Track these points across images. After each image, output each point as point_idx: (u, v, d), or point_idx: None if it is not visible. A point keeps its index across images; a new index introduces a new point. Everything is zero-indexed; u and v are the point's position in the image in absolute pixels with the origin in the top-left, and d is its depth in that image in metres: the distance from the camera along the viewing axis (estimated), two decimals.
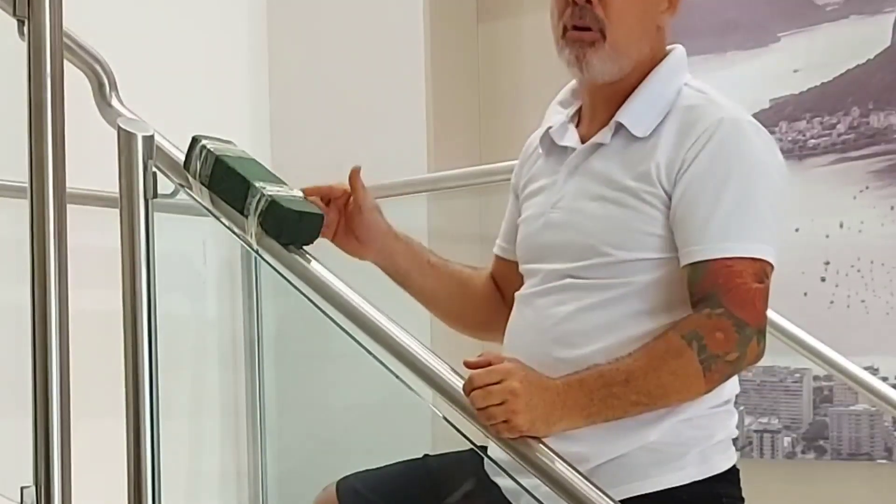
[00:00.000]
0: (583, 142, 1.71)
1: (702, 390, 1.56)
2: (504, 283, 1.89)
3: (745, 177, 1.59)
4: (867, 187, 2.93)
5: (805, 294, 2.95)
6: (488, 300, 1.91)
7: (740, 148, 1.60)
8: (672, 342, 1.53)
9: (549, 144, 1.76)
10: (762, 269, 1.57)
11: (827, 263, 2.96)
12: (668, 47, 1.74)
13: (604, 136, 1.67)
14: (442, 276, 1.88)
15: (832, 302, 2.95)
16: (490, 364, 1.49)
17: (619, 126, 1.65)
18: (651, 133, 1.63)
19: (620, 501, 1.47)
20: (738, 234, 1.57)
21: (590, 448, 1.58)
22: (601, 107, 1.70)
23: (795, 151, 3.00)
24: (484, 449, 1.66)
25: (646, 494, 1.61)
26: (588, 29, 1.66)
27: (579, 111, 1.77)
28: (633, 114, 1.65)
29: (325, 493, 1.87)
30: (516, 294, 1.77)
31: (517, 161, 1.90)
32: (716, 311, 1.53)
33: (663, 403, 1.57)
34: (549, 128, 1.76)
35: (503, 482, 1.68)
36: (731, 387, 1.68)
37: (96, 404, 1.82)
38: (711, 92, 1.68)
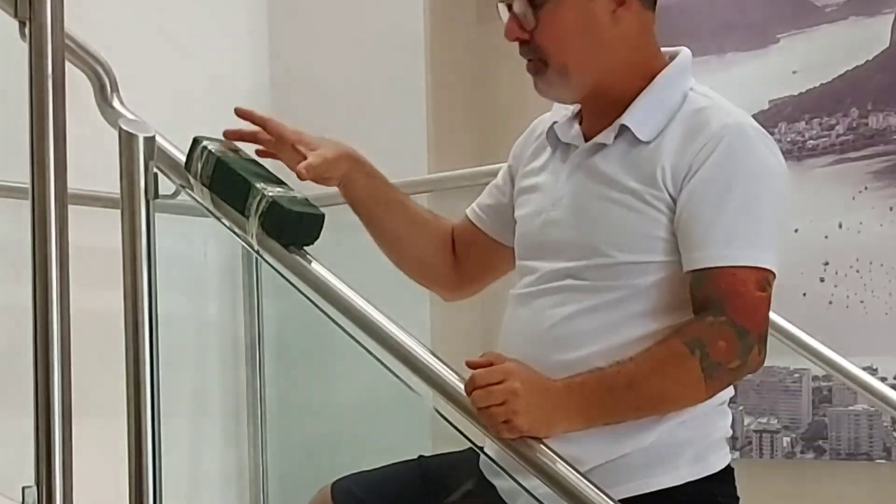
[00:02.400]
0: (585, 140, 1.71)
1: (702, 397, 1.57)
2: (462, 244, 1.91)
3: (750, 185, 1.59)
4: (866, 188, 2.93)
5: (804, 294, 2.96)
6: (437, 246, 1.91)
7: (746, 155, 1.60)
8: (675, 349, 1.53)
9: (554, 139, 1.76)
10: (765, 278, 1.57)
11: (826, 264, 2.96)
12: (674, 49, 1.73)
13: (606, 136, 1.67)
14: (395, 206, 1.88)
15: (831, 302, 2.95)
16: (492, 364, 1.50)
17: (624, 128, 1.65)
18: (656, 137, 1.63)
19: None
20: (742, 242, 1.57)
21: (585, 450, 1.58)
22: (603, 108, 1.69)
23: (794, 152, 3.01)
24: (483, 449, 1.66)
25: (641, 495, 1.61)
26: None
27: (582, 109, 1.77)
28: (639, 117, 1.65)
29: (320, 495, 1.87)
30: (511, 292, 1.76)
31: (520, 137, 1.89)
32: (718, 318, 1.53)
33: (663, 409, 1.57)
34: (555, 122, 1.76)
35: (500, 482, 1.69)
36: (727, 390, 1.68)
37: (97, 404, 1.82)
38: (717, 97, 1.68)
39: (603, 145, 1.67)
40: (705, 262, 1.57)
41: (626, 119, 1.65)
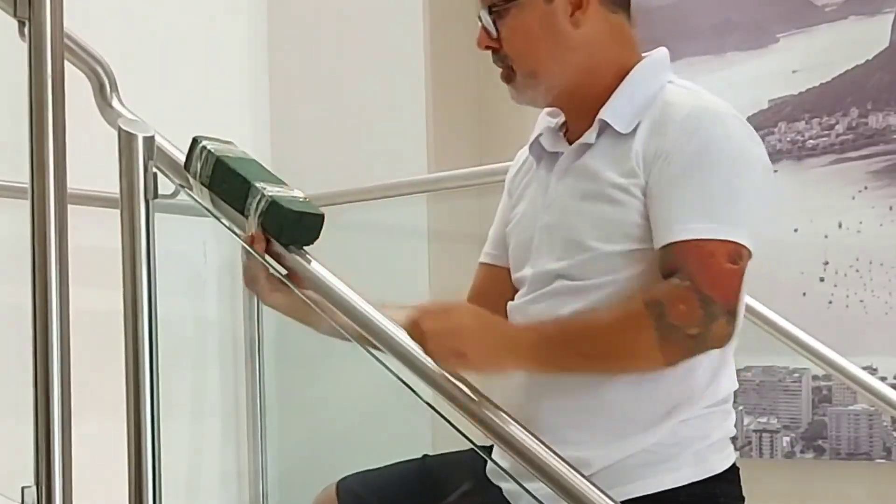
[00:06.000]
0: (570, 145, 1.71)
1: (659, 361, 1.55)
2: (493, 292, 1.83)
3: (720, 162, 1.57)
4: (866, 187, 2.93)
5: (804, 294, 2.95)
6: None
7: (717, 135, 1.59)
8: (633, 307, 1.52)
9: (539, 151, 1.77)
10: (736, 251, 1.55)
11: (826, 264, 2.96)
12: (653, 51, 1.74)
13: (589, 136, 1.67)
14: None
15: (831, 302, 2.95)
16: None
17: (604, 125, 1.66)
18: (634, 128, 1.63)
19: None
20: (710, 216, 1.54)
21: (592, 453, 1.58)
22: (582, 112, 1.70)
23: (794, 152, 3.01)
24: (484, 449, 1.66)
25: (643, 496, 1.61)
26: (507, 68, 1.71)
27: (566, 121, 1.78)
28: (616, 110, 1.65)
29: (325, 494, 1.87)
30: (509, 305, 1.75)
31: (511, 163, 1.90)
32: (683, 283, 1.51)
33: (615, 365, 1.56)
34: (539, 135, 1.77)
35: (505, 484, 1.69)
36: (727, 385, 1.67)
37: (97, 404, 1.83)
38: (697, 88, 1.68)
39: (588, 145, 1.67)
40: (673, 237, 1.55)
41: (604, 114, 1.65)
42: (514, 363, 1.51)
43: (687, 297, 1.51)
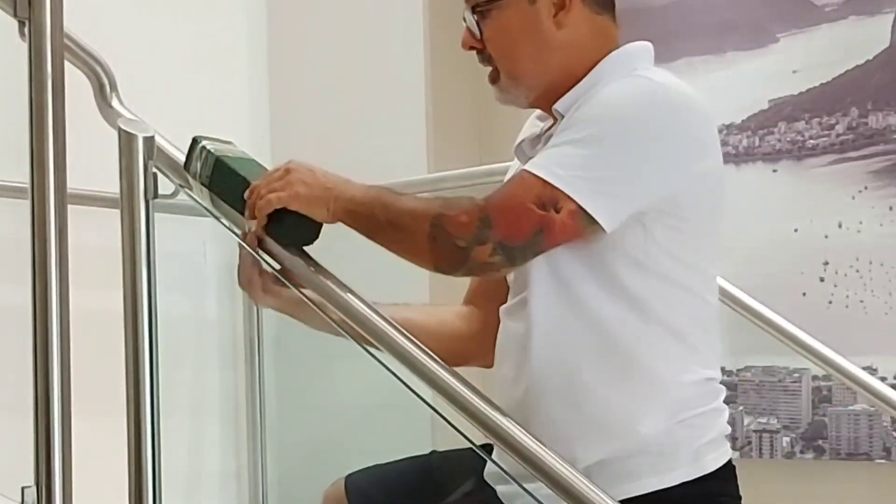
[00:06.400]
0: None
1: (424, 257, 1.57)
2: (492, 295, 1.83)
3: (600, 120, 1.55)
4: (866, 187, 2.93)
5: (804, 294, 2.95)
6: (454, 337, 1.85)
7: (615, 98, 1.57)
8: (430, 204, 1.55)
9: (523, 156, 1.76)
10: (552, 198, 1.51)
11: (826, 263, 2.96)
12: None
13: (553, 129, 1.67)
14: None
15: (831, 302, 2.95)
16: None
17: (559, 114, 1.65)
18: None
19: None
20: (554, 160, 1.53)
21: (579, 448, 1.58)
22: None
23: (794, 152, 3.01)
24: (483, 448, 1.66)
25: (640, 496, 1.60)
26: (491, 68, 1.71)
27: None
28: (567, 99, 1.65)
29: (334, 489, 1.87)
30: (501, 308, 1.75)
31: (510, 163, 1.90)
32: (480, 201, 1.53)
33: (392, 245, 1.59)
34: (522, 140, 1.76)
35: (500, 486, 1.69)
36: (717, 383, 1.67)
37: (97, 404, 1.83)
38: (663, 72, 1.65)
39: (551, 136, 1.67)
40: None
41: (558, 104, 1.65)
42: (333, 211, 1.56)
43: (472, 212, 1.52)
